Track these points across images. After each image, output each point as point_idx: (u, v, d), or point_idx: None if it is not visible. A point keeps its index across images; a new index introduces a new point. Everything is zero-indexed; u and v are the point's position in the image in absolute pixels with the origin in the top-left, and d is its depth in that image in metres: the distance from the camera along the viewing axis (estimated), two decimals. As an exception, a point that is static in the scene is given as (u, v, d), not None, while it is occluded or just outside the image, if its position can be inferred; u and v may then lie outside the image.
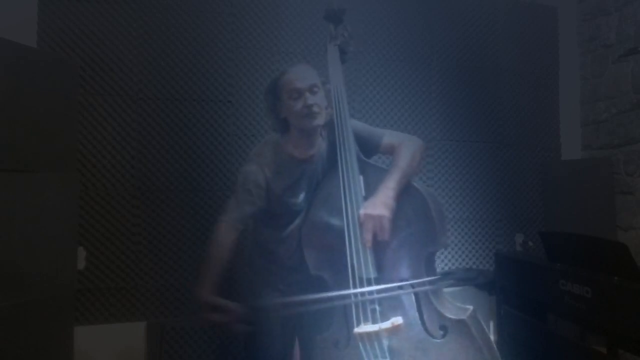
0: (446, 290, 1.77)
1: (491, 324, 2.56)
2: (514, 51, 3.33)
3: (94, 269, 2.51)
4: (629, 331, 1.63)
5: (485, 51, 3.28)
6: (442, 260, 3.08)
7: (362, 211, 1.56)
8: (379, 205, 1.55)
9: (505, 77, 3.30)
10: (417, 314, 1.52)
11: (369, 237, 1.53)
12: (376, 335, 1.46)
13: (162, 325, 2.52)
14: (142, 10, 2.67)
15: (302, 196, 1.74)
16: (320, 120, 1.69)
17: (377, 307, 1.50)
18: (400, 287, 1.53)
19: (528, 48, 3.37)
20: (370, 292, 1.50)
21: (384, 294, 1.50)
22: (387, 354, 1.45)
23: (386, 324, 1.47)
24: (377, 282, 1.52)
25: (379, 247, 1.56)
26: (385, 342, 1.46)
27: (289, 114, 1.72)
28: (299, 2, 2.93)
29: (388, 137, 1.79)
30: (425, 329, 1.50)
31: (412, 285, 1.53)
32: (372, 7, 3.04)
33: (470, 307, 1.57)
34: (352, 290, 1.51)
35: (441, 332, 1.50)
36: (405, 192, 1.61)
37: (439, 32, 3.19)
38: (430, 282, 1.55)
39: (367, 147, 1.78)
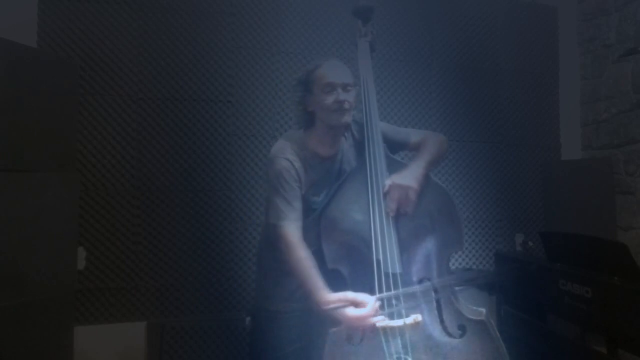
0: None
1: (491, 324, 2.55)
2: (514, 51, 3.33)
3: (94, 269, 2.51)
4: (629, 331, 1.63)
5: (485, 51, 3.28)
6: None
7: (388, 181, 1.58)
8: (408, 176, 1.59)
9: (505, 77, 3.30)
10: (436, 312, 1.53)
11: (393, 206, 1.56)
12: (400, 330, 1.45)
13: (162, 325, 2.52)
14: (142, 10, 2.67)
15: (322, 194, 1.73)
16: (348, 118, 1.68)
17: (402, 304, 1.50)
18: (426, 288, 1.54)
19: (528, 48, 3.36)
20: (397, 295, 1.50)
21: (411, 301, 1.51)
22: (409, 350, 1.45)
23: (409, 320, 1.47)
24: (402, 278, 1.53)
25: (403, 243, 1.57)
26: (406, 338, 1.46)
27: (318, 108, 1.70)
28: (299, 2, 2.93)
29: (415, 135, 1.84)
30: (444, 328, 1.52)
31: (434, 287, 1.55)
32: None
33: (483, 310, 1.58)
34: (392, 292, 1.50)
35: (459, 332, 1.51)
36: (431, 191, 1.64)
37: (439, 32, 3.19)
38: (451, 281, 1.58)
39: (393, 145, 1.80)
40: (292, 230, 1.61)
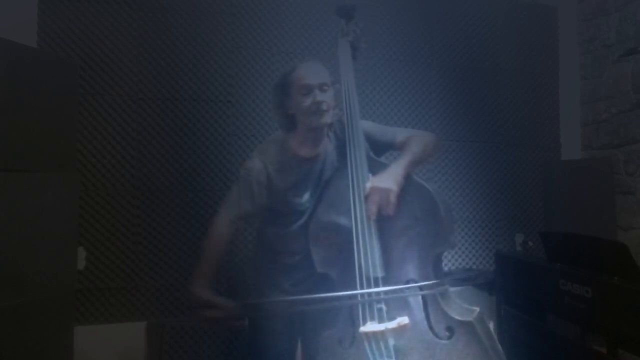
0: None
1: (491, 324, 2.55)
2: (514, 51, 3.33)
3: (94, 269, 2.51)
4: (629, 331, 1.63)
5: (485, 51, 3.28)
6: (443, 260, 3.07)
7: (369, 184, 1.57)
8: (387, 179, 1.56)
9: (505, 77, 3.30)
10: (423, 314, 1.51)
11: (373, 209, 1.54)
12: (382, 334, 1.45)
13: (162, 325, 2.52)
14: (142, 10, 2.67)
15: (306, 196, 1.73)
16: (327, 119, 1.68)
17: (384, 307, 1.49)
18: (407, 290, 1.53)
19: (528, 48, 3.36)
20: (377, 294, 1.50)
21: (391, 295, 1.51)
22: (392, 354, 1.44)
23: (392, 324, 1.46)
24: (385, 282, 1.52)
25: (387, 246, 1.56)
26: (391, 342, 1.45)
27: (297, 111, 1.70)
28: (299, 2, 2.93)
29: (401, 134, 1.80)
30: (431, 330, 1.50)
31: (420, 288, 1.53)
32: (372, 8, 3.04)
33: (477, 309, 1.55)
34: (359, 291, 1.51)
35: (447, 334, 1.49)
36: (414, 191, 1.61)
37: (439, 32, 3.19)
38: (437, 285, 1.54)
39: (380, 145, 1.78)
40: (222, 223, 1.71)
